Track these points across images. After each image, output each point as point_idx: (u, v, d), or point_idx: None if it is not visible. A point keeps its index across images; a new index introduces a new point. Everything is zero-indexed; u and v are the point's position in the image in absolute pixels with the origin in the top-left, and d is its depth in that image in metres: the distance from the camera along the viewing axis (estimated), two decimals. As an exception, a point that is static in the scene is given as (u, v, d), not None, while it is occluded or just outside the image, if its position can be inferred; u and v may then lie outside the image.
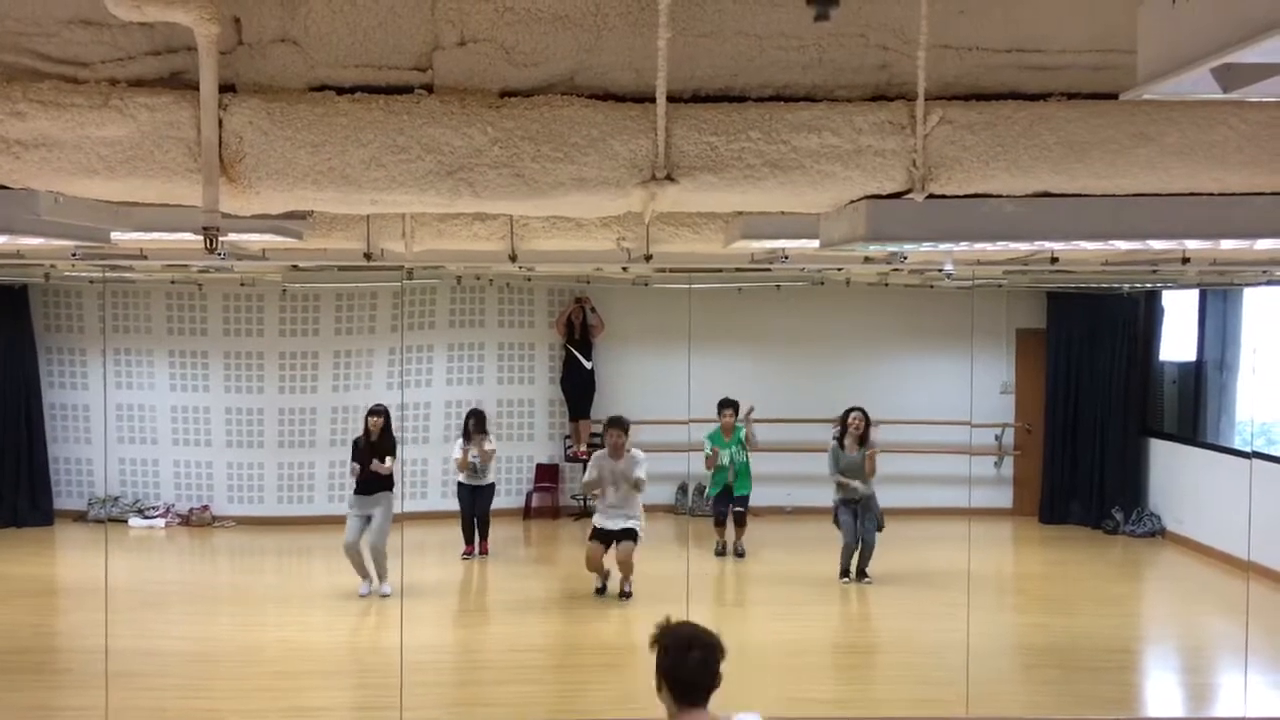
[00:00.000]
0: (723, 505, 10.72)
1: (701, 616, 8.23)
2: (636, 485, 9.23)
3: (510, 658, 7.77)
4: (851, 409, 10.10)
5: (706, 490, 10.97)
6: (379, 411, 9.47)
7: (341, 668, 7.84)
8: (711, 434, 10.66)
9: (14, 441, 11.97)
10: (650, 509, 12.71)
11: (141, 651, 7.67)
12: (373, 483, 9.15)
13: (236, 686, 7.32)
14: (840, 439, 10.00)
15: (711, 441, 10.58)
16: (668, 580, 9.12)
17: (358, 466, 9.21)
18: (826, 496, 12.60)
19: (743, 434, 10.66)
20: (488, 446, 10.51)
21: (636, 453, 9.46)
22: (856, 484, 9.75)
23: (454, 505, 12.09)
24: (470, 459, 10.45)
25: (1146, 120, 3.04)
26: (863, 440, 9.90)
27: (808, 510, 12.43)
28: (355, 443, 9.44)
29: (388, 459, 9.21)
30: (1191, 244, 4.61)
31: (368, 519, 9.13)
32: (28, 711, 6.77)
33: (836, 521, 9.88)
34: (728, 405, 10.69)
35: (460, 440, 10.69)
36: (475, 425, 10.57)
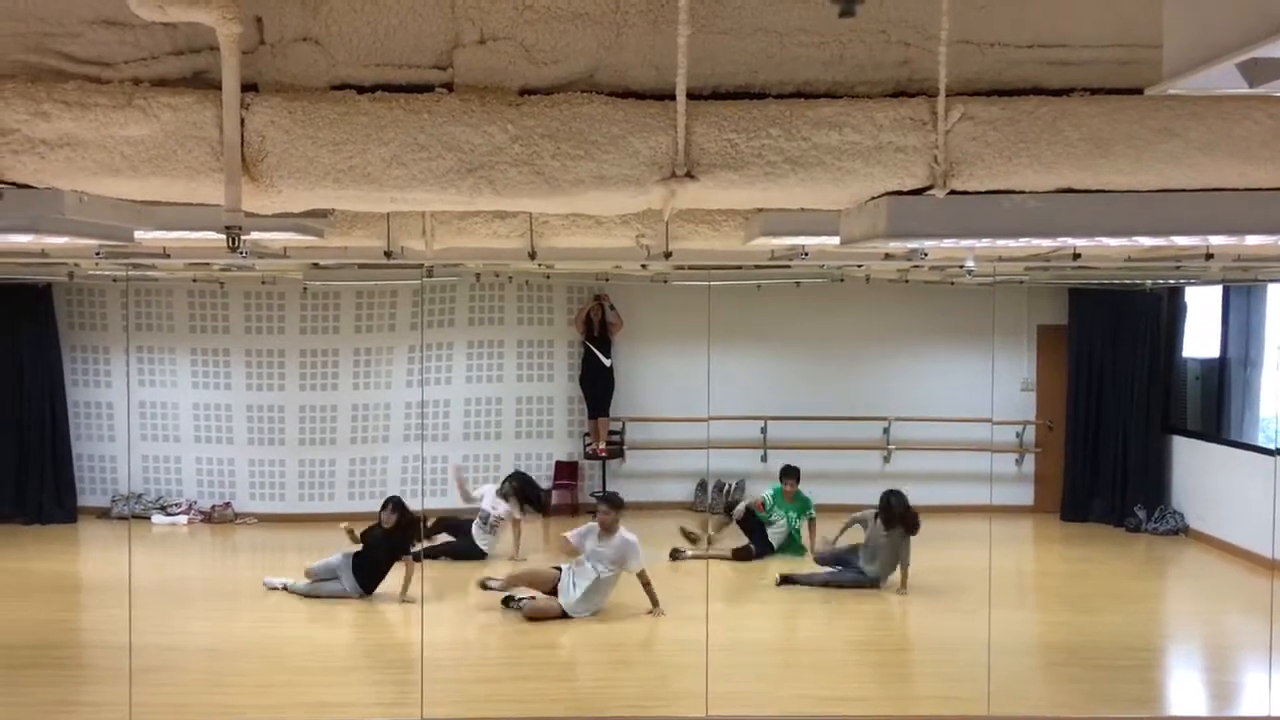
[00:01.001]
0: (761, 544, 10.39)
1: (721, 614, 8.28)
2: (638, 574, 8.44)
3: (529, 655, 7.79)
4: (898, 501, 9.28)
5: (742, 505, 10.56)
6: (394, 505, 8.97)
7: (362, 664, 7.88)
8: (775, 492, 10.49)
9: (39, 439, 12.08)
10: (670, 506, 12.77)
11: (164, 647, 7.72)
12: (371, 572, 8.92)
13: (258, 682, 7.36)
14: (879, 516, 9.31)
15: (773, 499, 10.44)
16: (687, 578, 9.16)
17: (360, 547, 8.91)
18: (844, 494, 12.59)
19: (811, 507, 10.44)
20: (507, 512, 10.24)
21: (630, 538, 8.47)
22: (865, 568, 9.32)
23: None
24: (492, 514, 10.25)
25: (1171, 115, 3.01)
26: (909, 524, 9.09)
27: (825, 508, 12.41)
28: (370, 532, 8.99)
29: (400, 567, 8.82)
30: (1216, 240, 4.57)
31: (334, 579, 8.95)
32: (52, 706, 6.83)
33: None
34: (790, 474, 10.46)
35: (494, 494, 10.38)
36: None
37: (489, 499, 10.30)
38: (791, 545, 10.37)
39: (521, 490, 10.35)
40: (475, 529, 10.22)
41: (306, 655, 8.08)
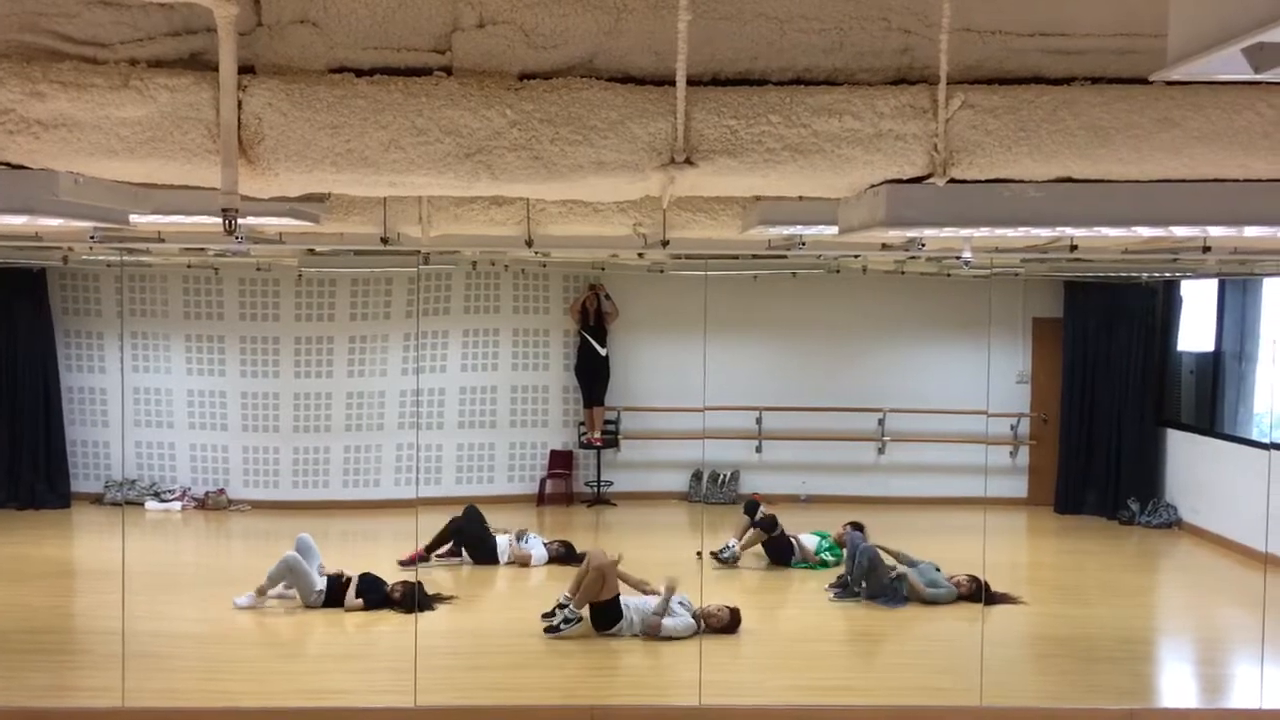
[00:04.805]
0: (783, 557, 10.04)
1: (715, 603, 8.23)
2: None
3: (523, 643, 7.79)
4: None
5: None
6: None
7: (355, 651, 7.88)
8: (832, 546, 9.98)
9: (32, 424, 12.07)
10: (665, 496, 12.78)
11: (157, 633, 7.73)
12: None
13: (252, 669, 7.36)
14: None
15: (827, 548, 9.98)
16: (681, 568, 9.13)
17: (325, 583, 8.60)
18: (840, 485, 12.64)
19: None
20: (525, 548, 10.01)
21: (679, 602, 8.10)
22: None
23: (468, 490, 12.16)
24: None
25: (1172, 105, 3.00)
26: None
27: (822, 499, 12.45)
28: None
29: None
30: (1215, 231, 4.57)
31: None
32: (45, 691, 6.83)
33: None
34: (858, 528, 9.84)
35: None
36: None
37: (536, 547, 10.09)
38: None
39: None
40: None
41: (300, 642, 8.09)
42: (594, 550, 8.39)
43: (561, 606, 7.94)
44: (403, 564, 9.31)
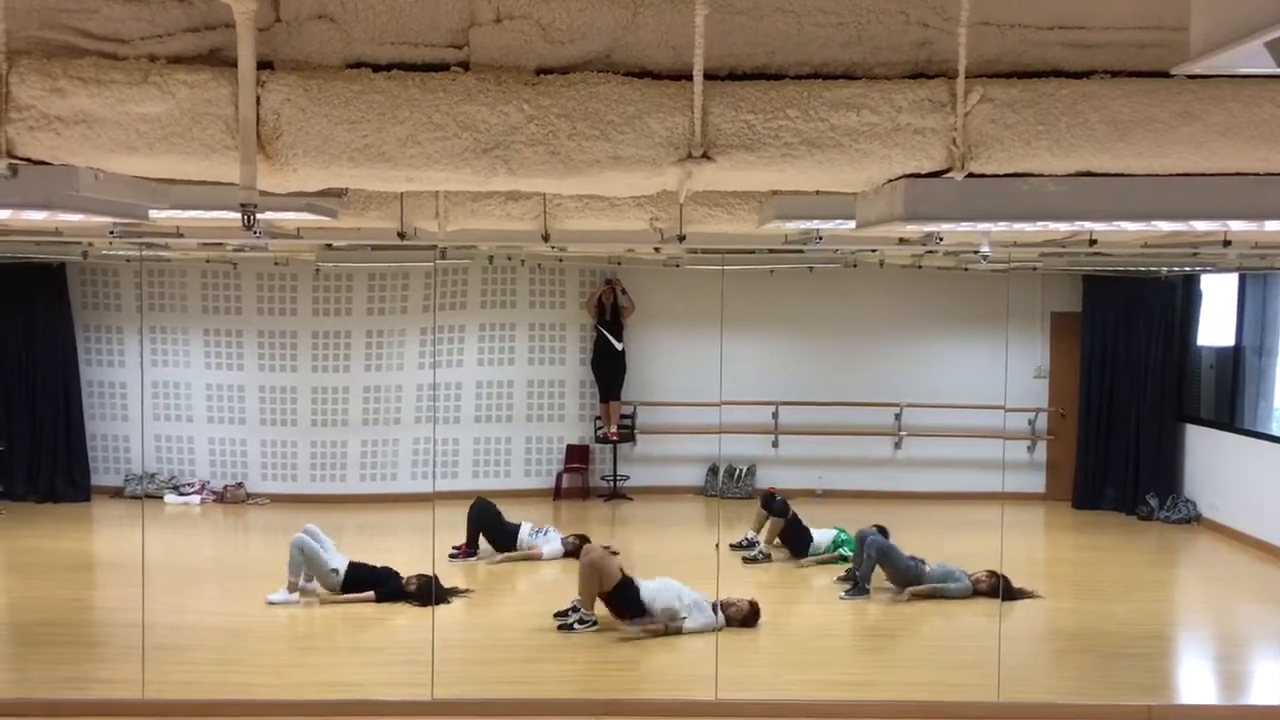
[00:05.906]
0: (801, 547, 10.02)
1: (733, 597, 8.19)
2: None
3: (539, 636, 7.81)
4: None
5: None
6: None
7: (373, 644, 7.91)
8: (847, 539, 9.90)
9: (52, 418, 12.16)
10: (681, 491, 12.79)
11: (176, 625, 7.78)
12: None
13: (270, 661, 7.40)
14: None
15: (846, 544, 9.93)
16: (699, 562, 9.13)
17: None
18: (857, 479, 12.62)
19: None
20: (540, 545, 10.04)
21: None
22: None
23: (485, 484, 12.20)
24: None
25: (1192, 98, 2.98)
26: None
27: (838, 493, 12.44)
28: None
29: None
30: (1235, 225, 4.54)
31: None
32: (65, 683, 6.88)
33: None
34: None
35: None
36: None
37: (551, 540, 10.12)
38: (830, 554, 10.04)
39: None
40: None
41: (318, 635, 8.14)
42: (585, 547, 8.49)
43: (574, 610, 7.94)
44: (453, 557, 9.71)
